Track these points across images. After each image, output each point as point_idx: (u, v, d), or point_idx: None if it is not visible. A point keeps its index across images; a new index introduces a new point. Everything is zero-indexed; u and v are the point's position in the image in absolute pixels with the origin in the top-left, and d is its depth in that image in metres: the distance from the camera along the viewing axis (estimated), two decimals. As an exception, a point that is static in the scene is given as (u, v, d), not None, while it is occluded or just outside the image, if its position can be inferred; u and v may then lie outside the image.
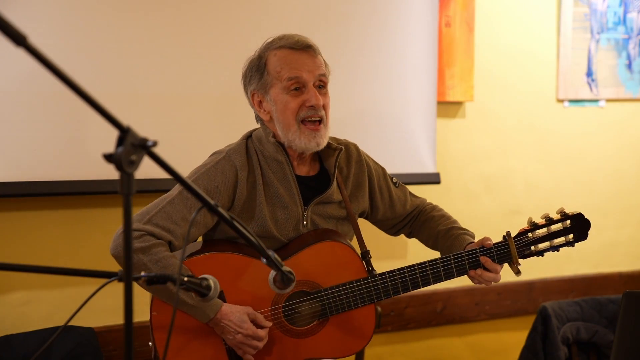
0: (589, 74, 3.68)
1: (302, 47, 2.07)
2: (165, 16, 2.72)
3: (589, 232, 2.17)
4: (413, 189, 3.36)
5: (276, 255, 1.59)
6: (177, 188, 2.06)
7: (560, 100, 3.68)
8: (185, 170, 2.15)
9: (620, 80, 3.74)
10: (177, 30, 2.74)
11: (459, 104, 3.44)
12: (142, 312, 2.73)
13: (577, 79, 3.67)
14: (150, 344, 2.12)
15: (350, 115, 3.08)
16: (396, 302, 3.31)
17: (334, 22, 3.03)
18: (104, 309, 2.68)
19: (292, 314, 2.10)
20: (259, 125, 2.19)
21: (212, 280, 1.62)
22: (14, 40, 1.06)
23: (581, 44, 3.65)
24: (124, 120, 1.22)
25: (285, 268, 1.65)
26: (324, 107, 2.10)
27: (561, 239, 2.15)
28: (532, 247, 2.13)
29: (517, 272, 2.12)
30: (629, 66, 3.75)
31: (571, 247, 2.17)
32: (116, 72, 2.66)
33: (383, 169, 2.34)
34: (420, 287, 2.14)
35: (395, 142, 3.18)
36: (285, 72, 2.05)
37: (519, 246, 2.12)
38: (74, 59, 2.57)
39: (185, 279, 1.58)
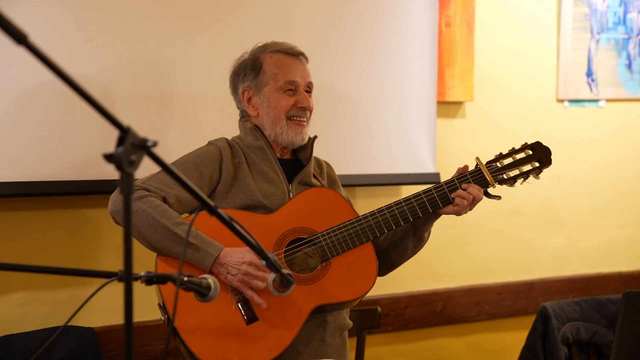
0: (589, 74, 3.68)
1: (296, 54, 2.30)
2: (166, 16, 2.72)
3: (551, 157, 2.29)
4: (413, 188, 3.36)
5: (275, 258, 1.61)
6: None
7: (560, 100, 3.68)
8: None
9: (620, 80, 3.74)
10: (178, 30, 2.74)
11: (459, 104, 3.44)
12: (142, 312, 2.73)
13: (577, 79, 3.67)
14: (161, 318, 2.11)
15: (350, 115, 3.08)
16: (396, 302, 3.31)
17: (333, 22, 3.03)
18: (104, 309, 2.68)
19: (294, 261, 2.16)
20: (241, 126, 2.34)
21: (211, 279, 1.62)
22: (15, 39, 1.06)
23: (581, 44, 3.65)
24: (124, 120, 1.22)
25: (285, 271, 1.66)
26: (310, 110, 2.31)
27: (527, 166, 2.29)
28: (504, 175, 2.27)
29: (498, 198, 2.25)
30: (629, 66, 3.75)
31: (539, 173, 2.29)
32: (116, 72, 2.65)
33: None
34: (410, 221, 2.22)
35: (395, 142, 3.18)
36: (282, 74, 2.25)
37: (491, 171, 2.25)
38: (74, 59, 2.57)
39: (185, 278, 1.58)
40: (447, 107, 3.40)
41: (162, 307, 2.09)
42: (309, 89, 2.30)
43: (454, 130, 3.44)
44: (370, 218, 2.20)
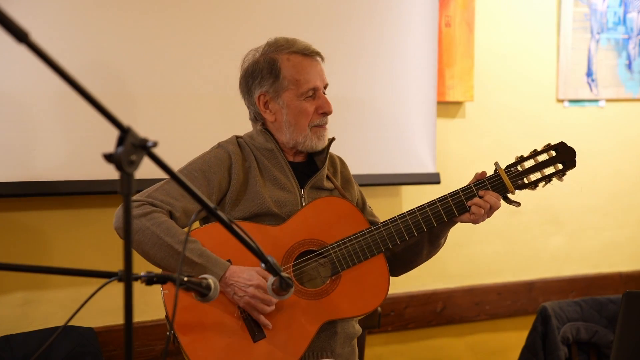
0: (589, 74, 3.68)
1: (312, 54, 2.17)
2: (166, 15, 2.72)
3: (576, 159, 2.18)
4: (413, 188, 3.38)
5: (275, 260, 1.60)
6: None
7: (560, 100, 3.68)
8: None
9: (620, 80, 3.74)
10: (178, 30, 2.74)
11: (459, 104, 3.44)
12: (142, 312, 2.74)
13: (577, 79, 3.67)
14: (168, 333, 2.10)
15: (350, 115, 3.08)
16: (396, 302, 3.31)
17: (334, 22, 3.03)
18: (104, 309, 2.68)
19: (303, 274, 2.09)
20: (254, 125, 2.25)
21: (211, 280, 1.62)
22: (16, 37, 1.06)
23: (581, 44, 3.65)
24: (124, 120, 1.22)
25: (284, 274, 1.66)
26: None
27: (550, 168, 2.17)
28: (525, 179, 2.16)
29: (517, 204, 2.17)
30: (629, 66, 3.75)
31: (562, 176, 2.18)
32: (117, 72, 2.65)
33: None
34: (424, 231, 2.13)
35: (395, 142, 3.18)
36: (304, 81, 2.14)
37: (510, 176, 2.15)
38: (74, 58, 2.57)
39: (185, 279, 1.58)
40: (447, 107, 3.40)
41: (168, 321, 2.02)
42: (324, 89, 2.21)
43: (454, 130, 3.44)
44: (382, 229, 2.11)
